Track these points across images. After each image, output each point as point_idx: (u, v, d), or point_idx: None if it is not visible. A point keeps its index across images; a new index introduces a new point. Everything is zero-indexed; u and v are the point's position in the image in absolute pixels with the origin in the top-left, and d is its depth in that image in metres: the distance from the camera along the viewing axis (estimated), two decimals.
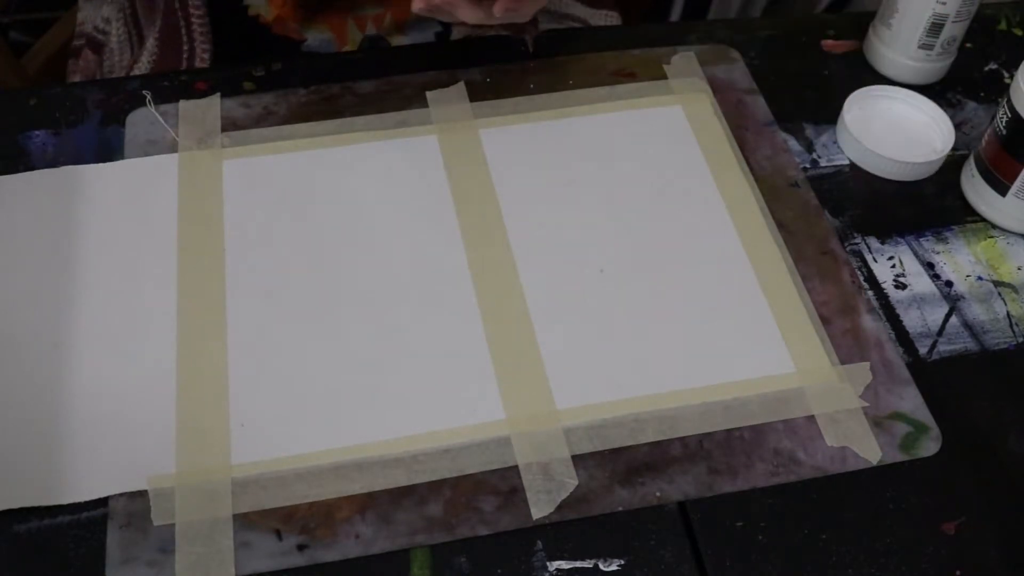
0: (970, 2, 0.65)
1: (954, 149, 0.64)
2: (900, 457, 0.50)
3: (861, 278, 0.58)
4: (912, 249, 0.60)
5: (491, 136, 0.63)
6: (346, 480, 0.48)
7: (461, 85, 0.65)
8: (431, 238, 0.58)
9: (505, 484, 0.48)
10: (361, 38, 0.76)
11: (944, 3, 0.65)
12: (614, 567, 0.46)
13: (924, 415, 0.52)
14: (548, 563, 0.46)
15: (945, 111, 0.66)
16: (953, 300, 0.58)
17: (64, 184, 0.59)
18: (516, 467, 0.49)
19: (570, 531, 0.47)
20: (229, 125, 0.62)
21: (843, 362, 0.53)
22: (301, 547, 0.46)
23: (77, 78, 0.81)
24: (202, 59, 0.75)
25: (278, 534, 0.46)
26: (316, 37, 0.75)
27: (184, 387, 0.50)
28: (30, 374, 0.51)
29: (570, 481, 0.48)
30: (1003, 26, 0.76)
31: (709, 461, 0.49)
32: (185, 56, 0.75)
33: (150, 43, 0.77)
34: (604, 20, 0.85)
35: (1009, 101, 0.58)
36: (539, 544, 0.47)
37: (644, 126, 0.64)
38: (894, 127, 0.66)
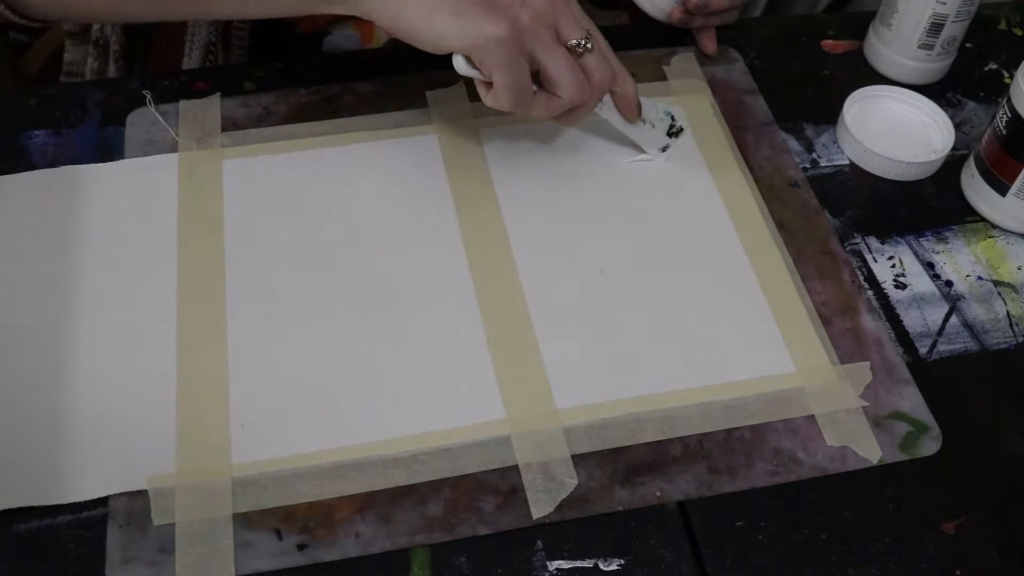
0: (970, 2, 0.65)
1: (954, 149, 0.64)
2: (900, 457, 0.50)
3: (861, 278, 0.58)
4: (912, 249, 0.60)
5: (491, 136, 0.63)
6: (346, 480, 0.48)
7: (461, 85, 0.65)
8: (431, 238, 0.58)
9: (505, 484, 0.48)
10: (387, 38, 0.76)
11: (944, 3, 0.65)
12: (614, 567, 0.46)
13: (924, 415, 0.52)
14: (548, 563, 0.46)
15: (945, 111, 0.66)
16: (953, 300, 0.58)
17: (64, 184, 0.59)
18: (516, 467, 0.49)
19: (570, 531, 0.47)
20: (229, 125, 0.62)
21: (843, 362, 0.53)
22: (301, 547, 0.46)
23: None
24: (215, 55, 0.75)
25: (278, 534, 0.46)
26: (340, 33, 0.75)
27: (184, 387, 0.50)
28: (30, 374, 0.51)
29: (570, 481, 0.48)
30: (1003, 26, 0.76)
31: (709, 461, 0.49)
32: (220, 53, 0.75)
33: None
34: (611, 21, 0.85)
35: (1009, 101, 0.58)
36: (539, 544, 0.47)
37: None
38: (894, 127, 0.66)
